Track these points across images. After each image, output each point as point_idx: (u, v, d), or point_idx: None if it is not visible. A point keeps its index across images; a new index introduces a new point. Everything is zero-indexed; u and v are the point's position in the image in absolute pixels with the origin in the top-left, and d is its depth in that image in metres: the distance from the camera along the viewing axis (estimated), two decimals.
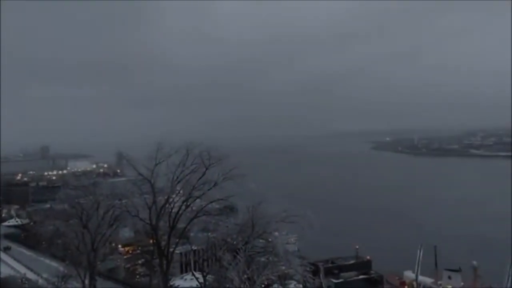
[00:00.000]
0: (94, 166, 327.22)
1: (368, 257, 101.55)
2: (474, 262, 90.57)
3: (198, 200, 40.63)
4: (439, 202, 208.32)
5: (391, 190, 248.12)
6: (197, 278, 48.55)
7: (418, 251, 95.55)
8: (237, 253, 30.52)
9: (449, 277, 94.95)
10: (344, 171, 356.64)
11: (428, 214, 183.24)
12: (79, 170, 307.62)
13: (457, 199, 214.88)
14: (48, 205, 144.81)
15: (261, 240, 39.90)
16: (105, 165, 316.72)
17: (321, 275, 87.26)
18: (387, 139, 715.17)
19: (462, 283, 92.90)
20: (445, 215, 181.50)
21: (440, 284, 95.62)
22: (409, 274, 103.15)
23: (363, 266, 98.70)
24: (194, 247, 65.01)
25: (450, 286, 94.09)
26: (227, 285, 30.41)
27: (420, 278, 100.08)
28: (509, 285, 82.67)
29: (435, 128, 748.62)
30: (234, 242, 36.50)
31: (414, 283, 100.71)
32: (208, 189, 38.16)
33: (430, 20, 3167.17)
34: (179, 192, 41.42)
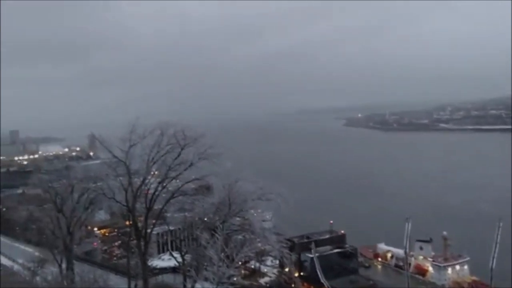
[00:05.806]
0: (66, 149, 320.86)
1: (342, 231, 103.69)
2: (444, 232, 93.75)
3: (174, 181, 40.55)
4: (408, 176, 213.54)
5: (363, 165, 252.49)
6: (175, 258, 48.97)
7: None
8: (215, 232, 30.82)
9: (421, 248, 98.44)
10: (318, 147, 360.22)
11: (398, 187, 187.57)
12: (51, 154, 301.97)
13: (424, 173, 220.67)
14: (20, 191, 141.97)
15: (237, 218, 40.27)
16: (78, 148, 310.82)
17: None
18: (359, 115, 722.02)
19: (432, 253, 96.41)
20: (414, 187, 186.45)
21: (412, 255, 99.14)
22: (382, 246, 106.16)
23: (338, 240, 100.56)
24: (171, 227, 65.26)
25: (421, 256, 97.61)
26: (206, 264, 30.80)
27: (393, 249, 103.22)
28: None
29: (406, 103, 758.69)
30: (212, 221, 36.76)
31: (388, 254, 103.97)
32: (184, 170, 38.06)
33: None
34: (154, 173, 41.24)
